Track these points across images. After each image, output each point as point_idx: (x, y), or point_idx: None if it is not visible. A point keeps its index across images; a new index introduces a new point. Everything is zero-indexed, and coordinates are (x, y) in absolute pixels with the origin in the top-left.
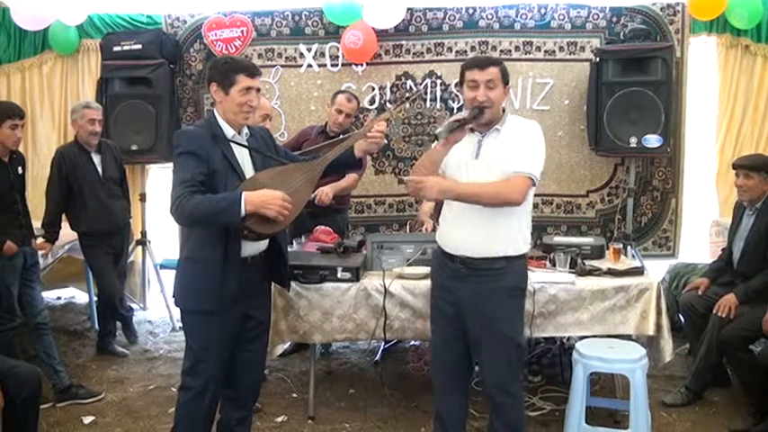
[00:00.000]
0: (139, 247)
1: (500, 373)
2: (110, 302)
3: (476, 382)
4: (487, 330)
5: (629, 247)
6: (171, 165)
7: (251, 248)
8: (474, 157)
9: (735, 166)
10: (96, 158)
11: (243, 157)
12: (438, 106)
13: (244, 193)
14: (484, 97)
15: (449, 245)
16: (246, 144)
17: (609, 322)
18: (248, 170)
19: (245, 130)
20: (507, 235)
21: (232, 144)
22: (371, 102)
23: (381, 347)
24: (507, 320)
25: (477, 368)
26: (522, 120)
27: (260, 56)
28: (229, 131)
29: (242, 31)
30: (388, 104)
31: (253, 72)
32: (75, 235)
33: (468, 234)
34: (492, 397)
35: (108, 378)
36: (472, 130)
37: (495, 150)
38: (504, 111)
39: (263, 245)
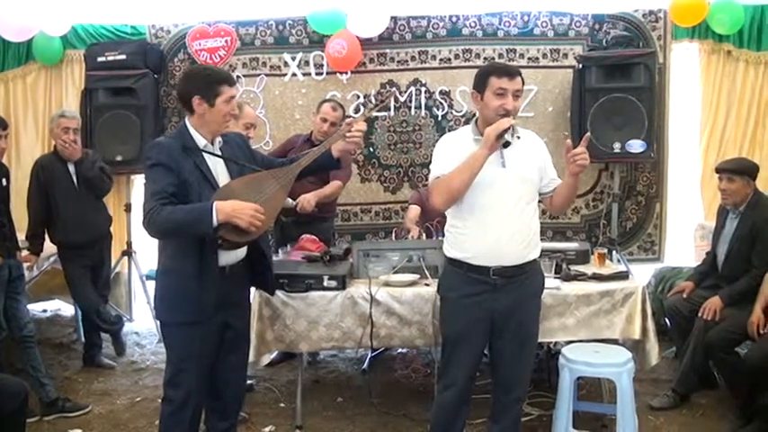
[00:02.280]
0: (125, 258)
1: (524, 372)
2: (86, 315)
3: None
4: (522, 334)
5: (614, 252)
6: None
7: (228, 257)
8: (501, 166)
9: (718, 170)
10: (72, 168)
11: (217, 166)
12: (423, 114)
13: (215, 203)
14: (511, 107)
15: (480, 257)
16: (219, 153)
17: (594, 327)
18: (223, 179)
19: (219, 139)
20: (534, 239)
21: (205, 153)
22: (356, 110)
23: (369, 355)
24: (536, 321)
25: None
26: (526, 130)
27: (244, 65)
28: (201, 141)
29: (226, 41)
30: (361, 107)
31: (232, 81)
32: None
33: (508, 243)
34: (506, 398)
35: (95, 391)
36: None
37: (520, 160)
38: None
39: (241, 253)
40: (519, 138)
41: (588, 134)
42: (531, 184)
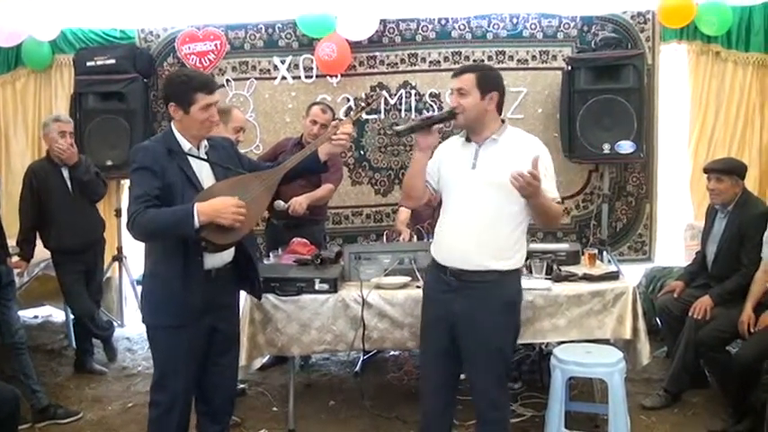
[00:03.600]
0: (116, 263)
1: (488, 385)
2: (80, 321)
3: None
4: (479, 344)
5: (604, 253)
6: None
7: (214, 260)
8: (471, 168)
9: (706, 171)
10: (66, 173)
11: (202, 170)
12: (413, 116)
13: (196, 204)
14: (455, 103)
15: (441, 256)
16: (204, 157)
17: (586, 327)
18: (208, 183)
19: (205, 143)
20: (499, 249)
21: (190, 157)
22: (347, 113)
23: (361, 358)
24: (499, 334)
25: (462, 376)
26: (529, 136)
27: (234, 69)
28: (186, 145)
29: (215, 45)
30: (352, 109)
31: (211, 88)
32: (49, 253)
33: (461, 245)
34: (481, 411)
35: (86, 397)
36: (468, 140)
37: (494, 162)
38: (503, 122)
39: (227, 256)
40: (495, 140)
41: (538, 156)
42: (503, 189)
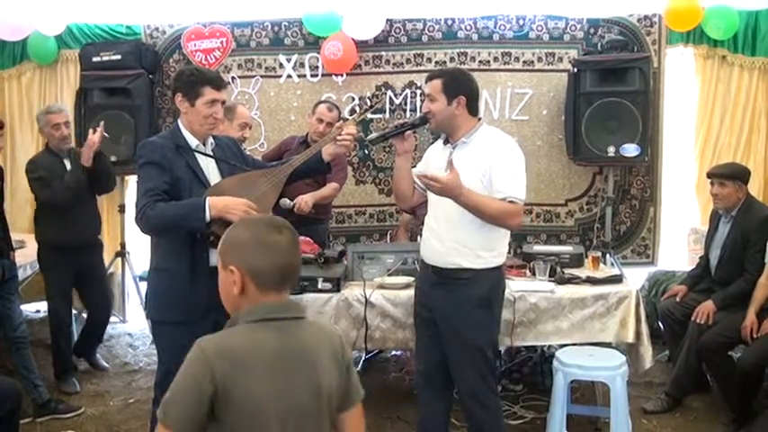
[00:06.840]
0: (119, 259)
1: (471, 382)
2: (59, 328)
3: (456, 390)
4: (456, 339)
5: (608, 256)
6: None
7: None
8: (444, 170)
9: (709, 176)
10: (68, 165)
11: (209, 166)
12: (409, 117)
13: (208, 198)
14: (425, 109)
15: (423, 253)
16: (211, 154)
17: (588, 330)
18: (214, 179)
19: (210, 140)
20: (472, 248)
21: (197, 154)
22: (351, 112)
23: (363, 358)
24: (475, 330)
25: None
26: (498, 135)
27: (239, 66)
28: (193, 141)
29: (221, 42)
30: (356, 109)
31: (219, 84)
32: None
33: (437, 245)
34: (465, 407)
35: (88, 392)
36: (446, 143)
37: (461, 165)
38: (479, 120)
39: None
40: (465, 142)
41: (450, 160)
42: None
